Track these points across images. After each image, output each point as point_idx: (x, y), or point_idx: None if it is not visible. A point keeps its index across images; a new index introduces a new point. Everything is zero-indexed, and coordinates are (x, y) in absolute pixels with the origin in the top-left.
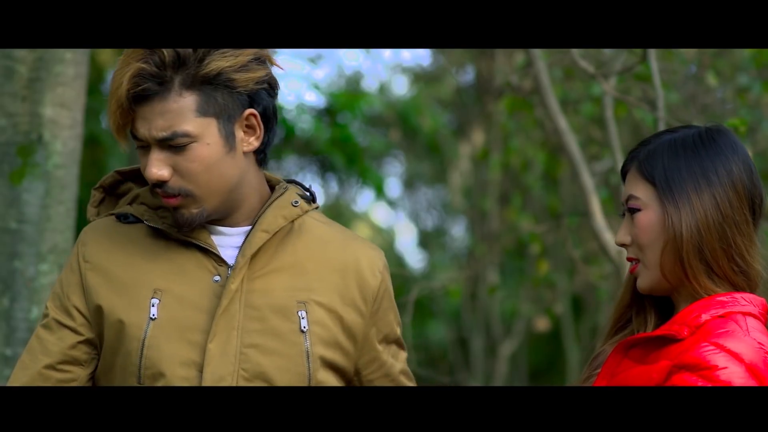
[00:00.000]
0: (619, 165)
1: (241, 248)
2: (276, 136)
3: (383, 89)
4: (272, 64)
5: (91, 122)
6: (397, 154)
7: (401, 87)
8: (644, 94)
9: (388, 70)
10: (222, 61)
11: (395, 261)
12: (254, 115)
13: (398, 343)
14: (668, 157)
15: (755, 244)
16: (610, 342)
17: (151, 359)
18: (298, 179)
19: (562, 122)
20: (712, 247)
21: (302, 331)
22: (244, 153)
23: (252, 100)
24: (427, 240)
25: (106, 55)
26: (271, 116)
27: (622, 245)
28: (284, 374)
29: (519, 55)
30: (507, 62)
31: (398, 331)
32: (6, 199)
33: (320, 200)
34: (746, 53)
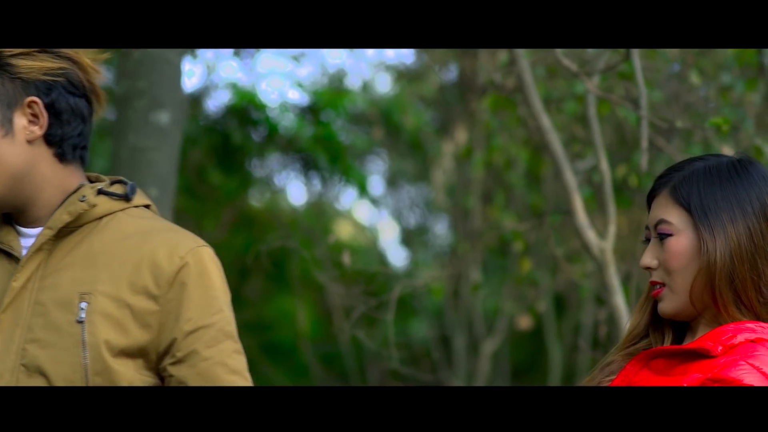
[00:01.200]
0: (603, 163)
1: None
2: (84, 136)
3: (366, 87)
4: (78, 60)
5: None
6: (380, 152)
7: (384, 85)
8: (627, 93)
9: (371, 68)
10: None
11: (378, 259)
12: (36, 103)
13: (222, 333)
14: (704, 184)
15: None
16: (622, 353)
17: None
18: (282, 177)
19: (545, 120)
20: (743, 277)
21: (79, 322)
22: (30, 142)
23: (38, 89)
24: (409, 238)
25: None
26: (63, 110)
27: (647, 269)
28: (59, 366)
29: (502, 54)
30: (490, 60)
31: (215, 319)
32: None
33: (303, 198)
34: (729, 52)
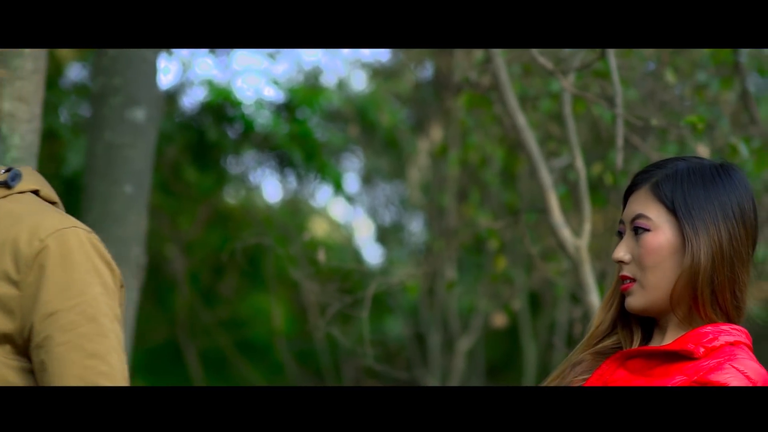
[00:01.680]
0: (578, 161)
1: None
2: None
3: (342, 85)
4: None
5: (49, 116)
6: (356, 150)
7: (360, 82)
8: (603, 91)
9: (346, 65)
10: None
11: (353, 256)
12: None
13: (83, 316)
14: (688, 184)
15: (750, 281)
16: (591, 352)
17: None
18: (257, 174)
19: (521, 119)
20: (722, 279)
21: None
22: None
23: None
24: (384, 235)
25: (65, 49)
26: None
27: (619, 262)
28: None
29: (478, 52)
30: (466, 58)
31: (74, 302)
32: None
33: (278, 195)
34: (705, 51)
